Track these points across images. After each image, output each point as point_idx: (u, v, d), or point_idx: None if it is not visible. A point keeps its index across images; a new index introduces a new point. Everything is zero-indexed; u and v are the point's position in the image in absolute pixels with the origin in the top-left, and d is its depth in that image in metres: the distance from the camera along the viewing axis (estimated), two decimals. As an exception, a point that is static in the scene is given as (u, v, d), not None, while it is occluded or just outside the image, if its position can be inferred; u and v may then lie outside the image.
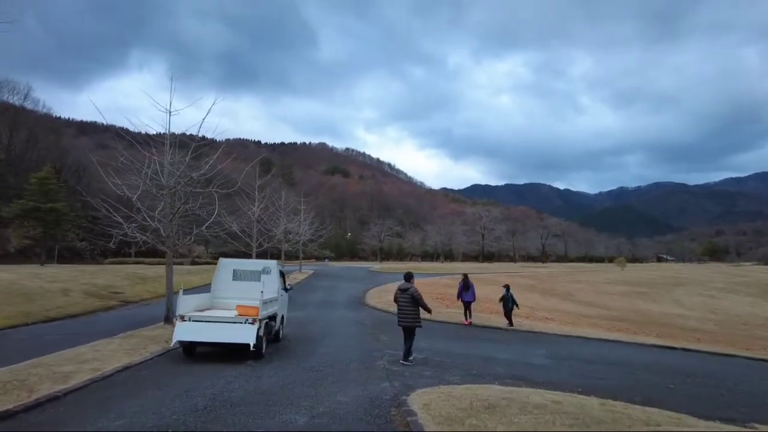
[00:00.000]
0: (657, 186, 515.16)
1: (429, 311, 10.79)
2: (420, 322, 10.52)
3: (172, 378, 8.57)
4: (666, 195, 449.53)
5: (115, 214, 14.92)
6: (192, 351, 10.75)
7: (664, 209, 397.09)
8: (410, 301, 10.30)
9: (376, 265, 74.38)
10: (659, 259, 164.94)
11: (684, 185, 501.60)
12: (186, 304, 10.55)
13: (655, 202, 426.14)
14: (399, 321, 10.52)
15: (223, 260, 13.29)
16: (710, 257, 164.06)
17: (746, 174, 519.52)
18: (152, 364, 9.69)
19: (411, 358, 10.35)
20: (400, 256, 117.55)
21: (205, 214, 15.76)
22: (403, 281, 10.66)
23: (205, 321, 10.26)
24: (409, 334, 10.35)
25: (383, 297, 25.86)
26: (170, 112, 15.06)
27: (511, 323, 18.07)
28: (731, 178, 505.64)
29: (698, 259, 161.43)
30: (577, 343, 15.61)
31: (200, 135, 15.63)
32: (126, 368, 9.04)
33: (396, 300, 10.64)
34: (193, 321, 10.14)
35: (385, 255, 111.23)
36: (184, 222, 16.39)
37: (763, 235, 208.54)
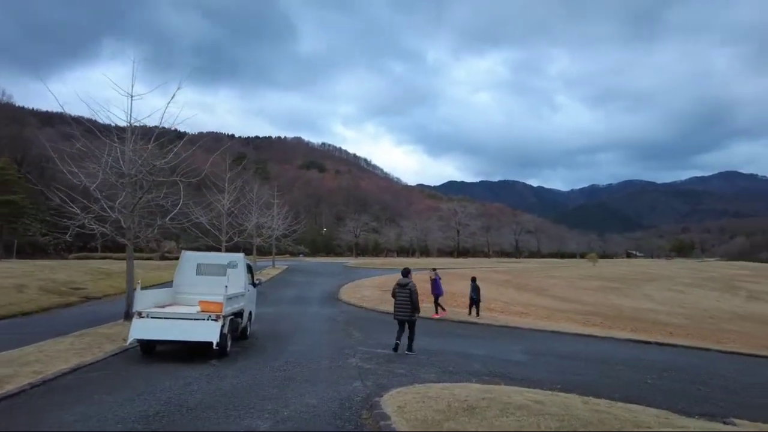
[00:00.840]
0: (628, 184, 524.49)
1: (418, 311, 10.88)
2: (414, 315, 10.78)
3: (125, 380, 7.89)
4: (636, 193, 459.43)
5: (71, 204, 14.00)
6: (151, 350, 10.08)
7: (634, 207, 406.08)
8: (408, 296, 10.60)
9: (351, 261, 73.76)
10: (629, 255, 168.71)
11: (653, 183, 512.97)
12: (144, 299, 9.86)
13: (625, 199, 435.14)
14: (395, 314, 10.82)
15: (186, 253, 12.58)
16: (677, 253, 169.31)
17: (711, 173, 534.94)
18: (104, 366, 8.93)
19: (413, 351, 10.73)
20: (376, 251, 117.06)
21: (169, 205, 14.93)
22: (401, 276, 10.96)
23: (165, 318, 9.58)
24: (410, 326, 10.73)
25: (357, 293, 25.40)
26: (132, 96, 14.16)
27: (470, 313, 18.43)
28: (696, 177, 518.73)
29: (666, 255, 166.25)
30: (553, 338, 15.49)
31: (163, 123, 14.69)
32: (74, 370, 8.28)
33: (394, 294, 10.91)
34: (151, 318, 9.45)
35: (361, 250, 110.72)
36: (147, 213, 15.52)
37: (726, 232, 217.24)
